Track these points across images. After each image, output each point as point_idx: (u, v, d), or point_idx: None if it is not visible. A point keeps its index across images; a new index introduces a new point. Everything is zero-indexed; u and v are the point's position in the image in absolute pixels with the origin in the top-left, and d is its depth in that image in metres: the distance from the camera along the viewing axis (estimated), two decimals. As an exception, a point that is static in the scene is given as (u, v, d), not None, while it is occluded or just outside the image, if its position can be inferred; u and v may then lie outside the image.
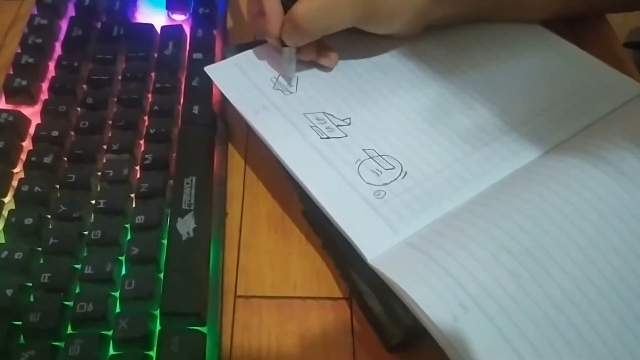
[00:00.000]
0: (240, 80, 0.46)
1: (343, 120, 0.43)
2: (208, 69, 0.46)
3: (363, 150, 0.41)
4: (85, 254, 0.38)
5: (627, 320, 0.33)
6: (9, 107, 0.46)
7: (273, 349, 0.37)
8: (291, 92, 0.45)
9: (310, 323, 0.38)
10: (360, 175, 0.40)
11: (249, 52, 0.48)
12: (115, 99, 0.46)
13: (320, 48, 0.46)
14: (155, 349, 0.34)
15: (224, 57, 0.48)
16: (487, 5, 0.49)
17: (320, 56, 0.46)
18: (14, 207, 0.40)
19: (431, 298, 0.32)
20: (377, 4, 0.43)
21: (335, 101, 0.45)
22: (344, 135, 0.42)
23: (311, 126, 0.43)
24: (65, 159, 0.42)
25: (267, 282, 0.40)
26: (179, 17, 0.54)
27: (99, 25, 0.52)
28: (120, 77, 0.48)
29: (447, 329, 0.31)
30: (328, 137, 0.42)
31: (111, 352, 0.34)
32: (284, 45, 0.44)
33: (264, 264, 0.40)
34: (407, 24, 0.46)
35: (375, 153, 0.41)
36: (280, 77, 0.46)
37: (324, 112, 0.44)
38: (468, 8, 0.48)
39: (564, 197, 0.36)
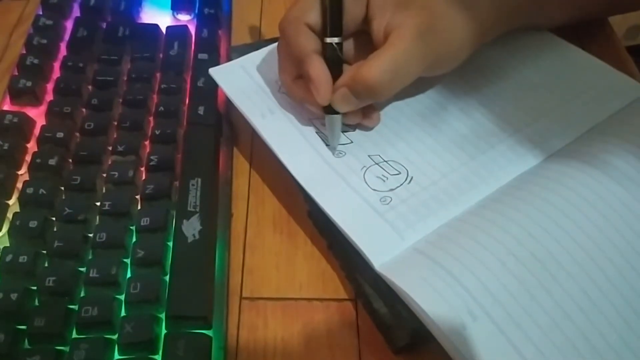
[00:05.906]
0: (246, 82, 0.45)
1: (348, 125, 0.43)
2: (212, 72, 0.46)
3: (368, 156, 0.41)
4: (90, 257, 0.38)
5: (634, 325, 0.33)
6: (14, 108, 0.46)
7: (279, 350, 0.37)
8: None
9: (316, 325, 0.38)
10: (366, 182, 0.39)
11: (255, 54, 0.47)
12: (121, 100, 0.46)
13: (365, 109, 0.42)
14: (160, 352, 0.34)
15: (229, 58, 0.48)
16: (517, 25, 0.46)
17: (365, 117, 0.43)
18: (18, 209, 0.40)
19: (440, 306, 0.32)
20: (438, 50, 0.39)
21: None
22: (350, 141, 0.42)
23: (317, 132, 0.42)
24: (70, 160, 0.42)
25: (273, 284, 0.39)
26: (184, 18, 0.54)
27: (104, 25, 0.52)
28: (125, 78, 0.48)
29: (455, 337, 0.31)
30: None
31: (116, 356, 0.34)
32: (330, 112, 0.40)
33: (269, 266, 0.40)
34: (464, 60, 0.42)
35: (381, 159, 0.41)
36: None
37: None
38: (504, 30, 0.45)
39: (570, 202, 0.36)
